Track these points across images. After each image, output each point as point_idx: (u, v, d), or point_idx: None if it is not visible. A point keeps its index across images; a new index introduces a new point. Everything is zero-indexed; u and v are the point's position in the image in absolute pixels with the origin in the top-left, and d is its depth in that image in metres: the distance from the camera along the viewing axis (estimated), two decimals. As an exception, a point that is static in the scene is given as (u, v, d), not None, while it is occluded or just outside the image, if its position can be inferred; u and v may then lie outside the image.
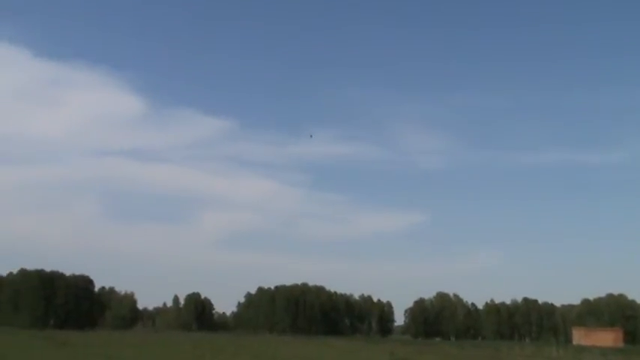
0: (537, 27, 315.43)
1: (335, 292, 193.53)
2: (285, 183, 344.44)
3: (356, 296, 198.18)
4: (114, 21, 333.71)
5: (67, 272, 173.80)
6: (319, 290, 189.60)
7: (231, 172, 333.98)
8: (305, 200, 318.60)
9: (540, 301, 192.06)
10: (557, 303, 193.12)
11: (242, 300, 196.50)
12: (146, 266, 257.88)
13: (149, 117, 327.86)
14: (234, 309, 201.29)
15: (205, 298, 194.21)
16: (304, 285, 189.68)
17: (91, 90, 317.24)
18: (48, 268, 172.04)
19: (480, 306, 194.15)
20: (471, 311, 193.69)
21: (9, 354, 38.04)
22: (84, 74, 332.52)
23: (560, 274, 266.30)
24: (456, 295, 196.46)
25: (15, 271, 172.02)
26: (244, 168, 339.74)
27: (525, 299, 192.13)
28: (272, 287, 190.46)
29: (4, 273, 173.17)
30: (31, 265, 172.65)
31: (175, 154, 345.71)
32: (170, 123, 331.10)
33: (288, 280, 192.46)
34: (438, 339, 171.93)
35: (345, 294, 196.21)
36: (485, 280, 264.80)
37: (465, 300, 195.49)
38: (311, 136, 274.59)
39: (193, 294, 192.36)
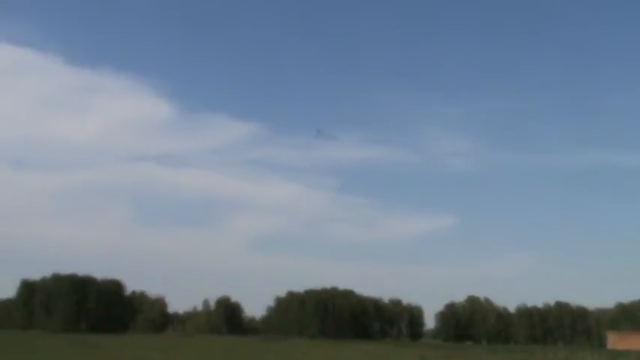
0: (563, 29, 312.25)
1: (364, 296, 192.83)
2: (312, 186, 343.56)
3: (385, 300, 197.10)
4: (140, 27, 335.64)
5: (99, 276, 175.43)
6: (348, 294, 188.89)
7: (259, 176, 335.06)
8: (332, 204, 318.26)
9: (573, 305, 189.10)
10: (591, 306, 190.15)
11: (272, 304, 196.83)
12: (176, 270, 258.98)
13: (177, 122, 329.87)
14: (264, 313, 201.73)
15: (235, 302, 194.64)
16: (333, 289, 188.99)
17: (120, 96, 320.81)
18: (80, 273, 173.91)
19: (512, 309, 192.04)
20: (503, 315, 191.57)
21: (44, 357, 38.36)
22: (112, 80, 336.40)
23: (593, 277, 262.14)
24: (486, 299, 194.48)
25: (48, 275, 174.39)
26: (271, 171, 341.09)
27: (558, 303, 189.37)
28: (301, 291, 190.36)
29: (37, 278, 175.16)
30: (64, 270, 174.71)
31: (204, 159, 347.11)
32: (198, 128, 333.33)
33: (317, 284, 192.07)
34: (469, 343, 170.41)
35: (375, 298, 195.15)
36: (516, 283, 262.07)
37: (496, 303, 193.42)
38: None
39: (223, 298, 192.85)
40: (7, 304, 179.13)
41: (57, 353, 44.91)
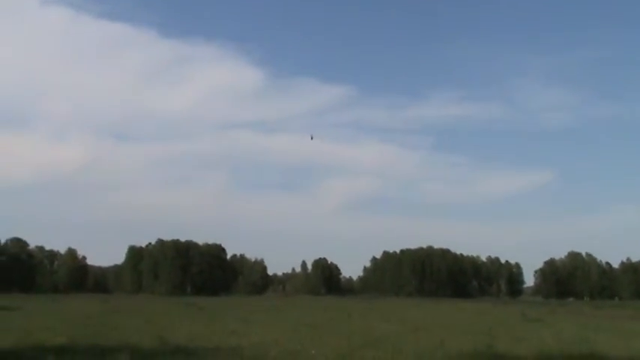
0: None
1: (461, 255, 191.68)
2: (405, 147, 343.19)
3: (483, 258, 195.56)
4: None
5: (201, 241, 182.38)
6: (445, 253, 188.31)
7: (352, 138, 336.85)
8: (426, 163, 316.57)
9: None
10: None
11: (368, 264, 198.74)
12: (274, 233, 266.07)
13: (269, 88, 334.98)
14: (361, 273, 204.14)
15: (332, 263, 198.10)
16: (429, 248, 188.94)
17: (212, 65, 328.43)
18: (183, 239, 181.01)
19: (615, 265, 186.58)
20: (606, 270, 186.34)
21: (159, 319, 40.71)
22: (204, 50, 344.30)
23: None
24: (588, 254, 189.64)
25: (153, 241, 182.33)
26: (364, 133, 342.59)
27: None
28: (397, 251, 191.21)
29: (144, 244, 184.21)
30: (168, 236, 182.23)
31: (296, 123, 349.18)
32: (290, 93, 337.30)
33: (413, 244, 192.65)
34: (570, 299, 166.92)
35: (472, 256, 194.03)
36: (619, 238, 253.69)
37: (598, 259, 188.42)
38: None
39: (320, 259, 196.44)
40: (117, 269, 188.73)
41: (171, 314, 47.39)
